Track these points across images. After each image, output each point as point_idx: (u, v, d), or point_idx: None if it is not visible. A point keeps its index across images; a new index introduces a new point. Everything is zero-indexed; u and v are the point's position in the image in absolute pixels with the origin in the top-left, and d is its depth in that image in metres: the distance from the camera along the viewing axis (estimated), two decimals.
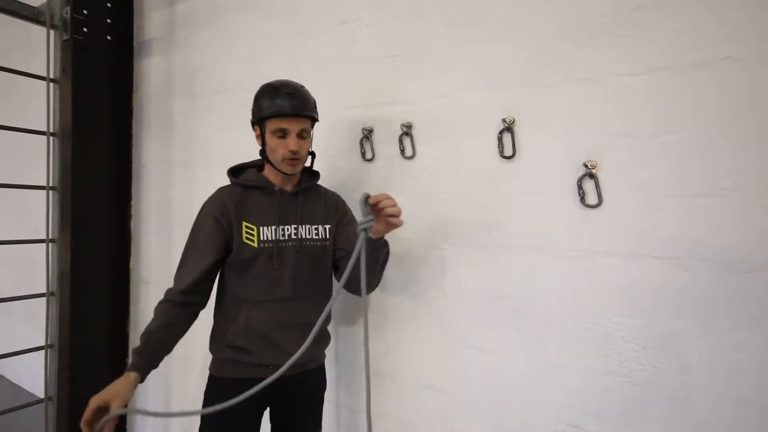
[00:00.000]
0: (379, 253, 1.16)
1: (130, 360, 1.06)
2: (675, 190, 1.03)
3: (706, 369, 1.00)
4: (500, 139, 1.23)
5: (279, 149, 1.15)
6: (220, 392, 1.16)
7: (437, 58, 1.34)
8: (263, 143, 1.20)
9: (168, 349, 1.11)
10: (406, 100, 1.40)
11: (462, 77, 1.30)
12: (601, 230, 1.11)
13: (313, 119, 1.21)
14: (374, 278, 1.21)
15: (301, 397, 1.26)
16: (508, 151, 1.22)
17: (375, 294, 1.47)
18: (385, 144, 1.44)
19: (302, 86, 1.20)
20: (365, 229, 1.03)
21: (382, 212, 1.02)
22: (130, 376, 1.01)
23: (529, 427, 1.21)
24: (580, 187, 1.12)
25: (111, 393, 0.95)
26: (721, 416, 0.99)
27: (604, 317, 1.11)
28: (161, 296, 1.15)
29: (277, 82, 1.19)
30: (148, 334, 1.08)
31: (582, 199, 1.12)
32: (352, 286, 1.14)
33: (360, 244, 1.02)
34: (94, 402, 0.93)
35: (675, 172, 1.03)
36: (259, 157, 1.24)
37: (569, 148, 1.14)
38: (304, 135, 1.18)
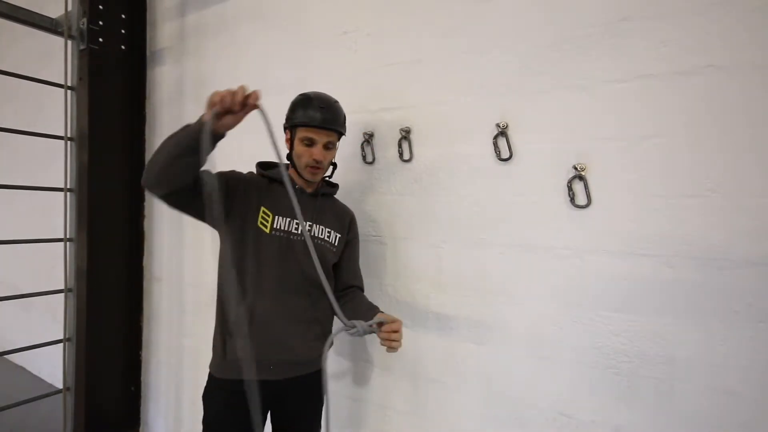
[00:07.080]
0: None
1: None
2: (660, 191, 1.07)
3: (690, 361, 1.04)
4: (495, 143, 1.28)
5: (304, 156, 1.19)
6: (219, 394, 1.19)
7: (434, 67, 1.39)
8: (291, 147, 1.24)
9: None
10: (405, 105, 1.44)
11: (458, 84, 1.35)
12: (590, 229, 1.15)
13: (340, 133, 1.25)
14: None
15: (300, 403, 1.24)
16: (501, 155, 1.27)
17: (376, 292, 1.53)
18: (385, 147, 1.49)
19: (336, 101, 1.24)
20: (353, 333, 1.09)
21: (385, 337, 1.11)
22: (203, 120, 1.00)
23: (522, 417, 1.25)
24: (570, 188, 1.17)
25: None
26: (704, 405, 1.03)
27: (593, 312, 1.15)
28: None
29: (312, 93, 1.23)
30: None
31: (572, 199, 1.17)
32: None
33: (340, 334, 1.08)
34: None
35: (660, 174, 1.07)
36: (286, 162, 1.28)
37: (560, 151, 1.18)
38: (330, 146, 1.22)
